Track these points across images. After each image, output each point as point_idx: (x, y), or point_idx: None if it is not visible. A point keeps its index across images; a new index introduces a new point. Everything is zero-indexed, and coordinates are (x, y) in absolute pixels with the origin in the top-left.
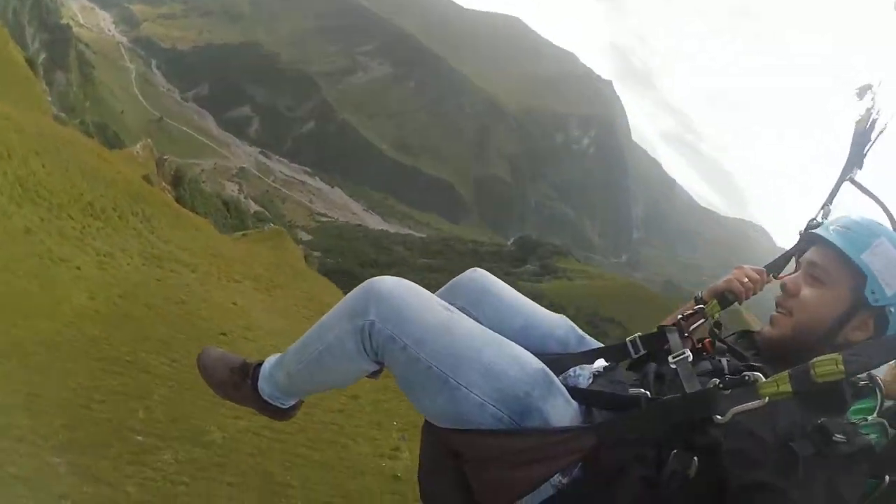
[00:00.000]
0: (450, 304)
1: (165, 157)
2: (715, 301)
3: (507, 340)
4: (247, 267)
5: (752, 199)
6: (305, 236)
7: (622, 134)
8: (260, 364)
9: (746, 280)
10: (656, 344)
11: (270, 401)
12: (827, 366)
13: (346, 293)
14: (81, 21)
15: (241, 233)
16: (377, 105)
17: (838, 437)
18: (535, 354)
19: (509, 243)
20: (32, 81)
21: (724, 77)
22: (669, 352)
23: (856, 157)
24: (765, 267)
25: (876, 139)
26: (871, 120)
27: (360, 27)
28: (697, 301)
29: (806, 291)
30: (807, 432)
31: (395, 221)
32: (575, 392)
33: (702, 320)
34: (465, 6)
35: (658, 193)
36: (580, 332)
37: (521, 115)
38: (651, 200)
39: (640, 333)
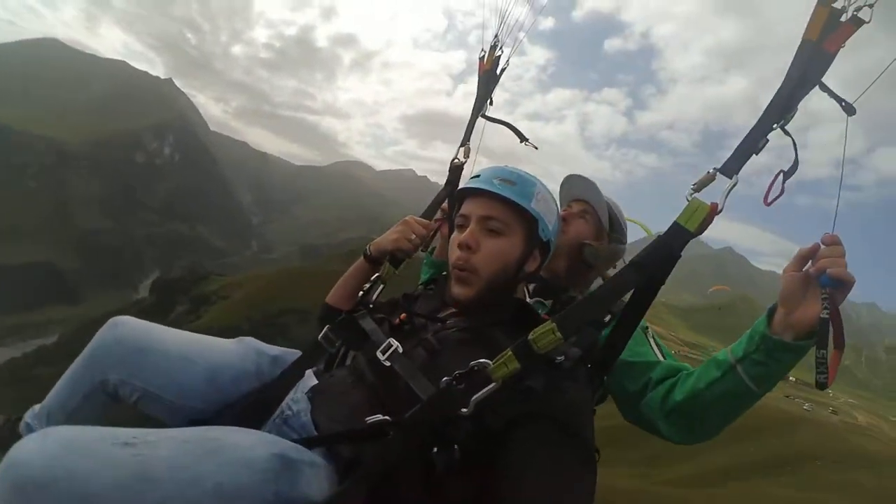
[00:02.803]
0: (101, 381)
1: None
2: (388, 264)
3: (217, 432)
4: None
5: (341, 140)
6: None
7: (200, 129)
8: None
9: (415, 237)
10: (351, 331)
11: None
12: (546, 337)
13: None
14: None
15: None
16: None
17: (559, 358)
18: (235, 402)
19: (146, 296)
20: None
21: (281, 40)
22: (367, 337)
23: (486, 95)
24: (422, 215)
25: (500, 77)
26: (496, 60)
27: None
28: (367, 258)
29: (489, 244)
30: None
31: (14, 340)
32: (308, 441)
33: (381, 286)
34: None
35: (256, 172)
36: (269, 351)
37: (93, 151)
38: (253, 182)
39: (328, 326)
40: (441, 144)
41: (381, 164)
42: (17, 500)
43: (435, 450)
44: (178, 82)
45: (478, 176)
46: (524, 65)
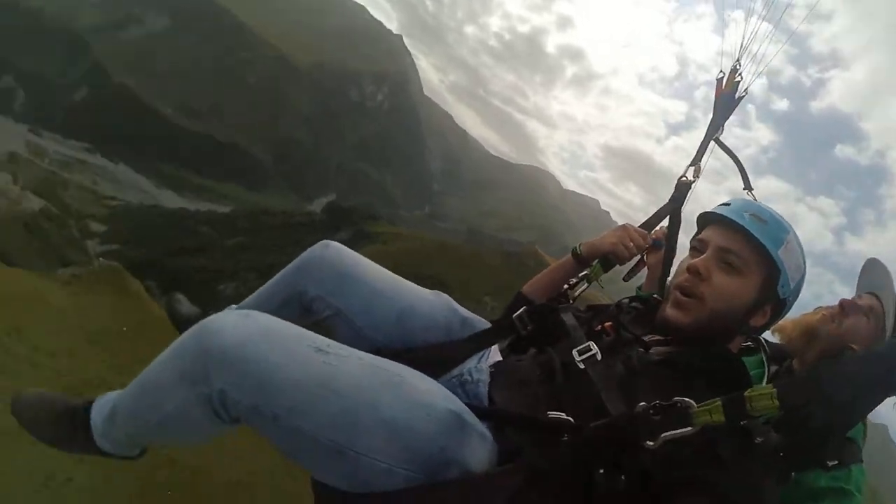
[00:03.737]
0: (300, 292)
1: None
2: (598, 263)
3: (399, 369)
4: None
5: (539, 146)
6: (99, 227)
7: (415, 89)
8: (87, 407)
9: (631, 245)
10: (548, 322)
11: (114, 452)
12: (763, 401)
13: (160, 290)
14: None
15: (68, 272)
16: (156, 63)
17: (758, 439)
18: (418, 347)
19: (319, 211)
20: None
21: (512, 34)
22: (565, 333)
23: (723, 118)
24: (640, 227)
25: (739, 103)
26: (736, 84)
27: None
28: (577, 257)
29: (721, 279)
30: (730, 432)
31: (191, 196)
32: (484, 411)
33: (585, 285)
34: None
35: (452, 146)
36: (461, 311)
37: (315, 72)
38: (446, 153)
39: (525, 308)
40: (633, 187)
41: (569, 183)
42: (202, 363)
43: (601, 470)
44: (407, 41)
45: (728, 204)
46: (746, 139)
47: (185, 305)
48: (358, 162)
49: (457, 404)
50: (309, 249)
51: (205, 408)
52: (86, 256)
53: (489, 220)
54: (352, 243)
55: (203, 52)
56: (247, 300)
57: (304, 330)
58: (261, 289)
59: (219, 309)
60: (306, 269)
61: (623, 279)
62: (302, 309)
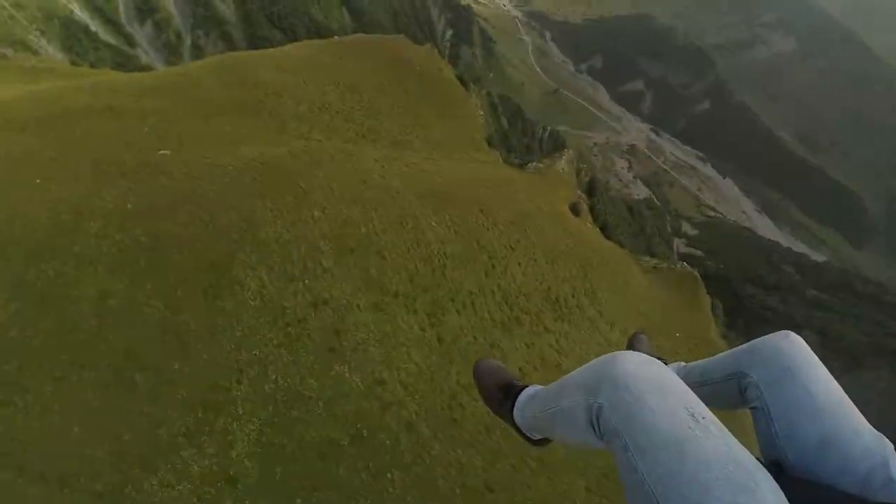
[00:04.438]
0: (742, 372)
1: (582, 166)
2: None
3: (762, 479)
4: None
5: None
6: (690, 230)
7: None
8: (523, 389)
9: None
10: None
11: (522, 428)
12: None
13: (722, 308)
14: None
15: (651, 262)
16: (779, 85)
17: None
18: (818, 484)
19: None
20: (467, 101)
21: None
22: None
23: None
24: None
25: None
26: None
27: None
28: None
29: None
30: None
31: (787, 230)
32: None
33: None
34: None
35: None
36: (893, 469)
37: None
38: None
39: None
40: None
41: None
42: (598, 379)
43: None
44: None
45: None
46: None
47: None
48: None
49: None
50: (770, 335)
51: (586, 414)
52: (669, 251)
53: None
54: None
55: (828, 78)
56: (697, 362)
57: (692, 394)
58: (719, 354)
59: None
60: (758, 352)
61: None
62: (739, 390)
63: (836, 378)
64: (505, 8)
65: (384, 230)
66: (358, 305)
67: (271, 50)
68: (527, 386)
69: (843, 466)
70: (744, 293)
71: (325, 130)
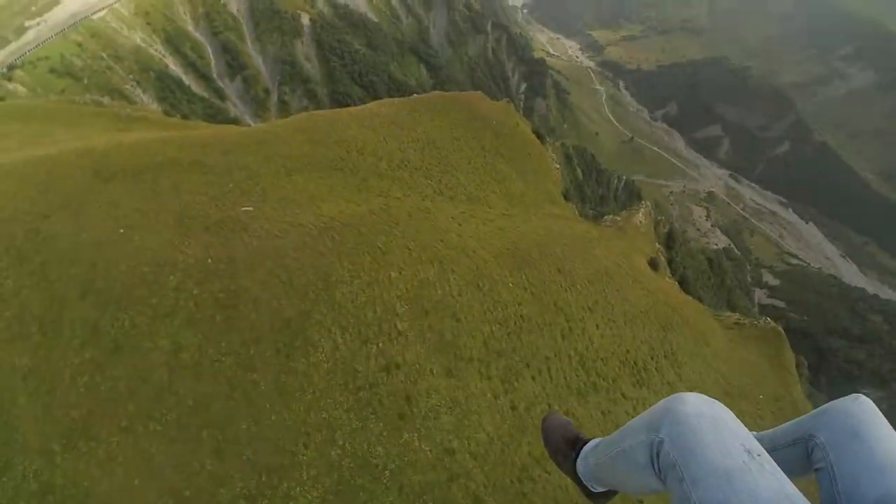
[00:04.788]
0: (810, 434)
1: (660, 217)
2: None
3: None
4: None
5: None
6: (772, 280)
7: None
8: (587, 441)
9: None
10: None
11: (583, 479)
12: None
13: (806, 365)
14: (551, 51)
15: (733, 317)
16: (859, 122)
17: None
18: None
19: None
20: (543, 155)
21: None
22: None
23: None
24: None
25: None
26: None
27: (836, 27)
28: None
29: None
30: None
31: (873, 275)
32: None
33: None
34: None
35: None
36: None
37: None
38: None
39: None
40: None
41: None
42: (660, 417)
43: None
44: None
45: None
46: None
47: None
48: None
49: None
50: (840, 399)
51: (647, 451)
52: (750, 304)
53: None
54: None
55: None
56: (770, 431)
57: (748, 433)
58: (790, 422)
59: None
60: (826, 415)
61: None
62: (806, 453)
63: None
64: (578, 59)
65: (460, 291)
66: (431, 370)
67: (353, 108)
68: (591, 439)
69: None
70: (828, 347)
71: (403, 187)
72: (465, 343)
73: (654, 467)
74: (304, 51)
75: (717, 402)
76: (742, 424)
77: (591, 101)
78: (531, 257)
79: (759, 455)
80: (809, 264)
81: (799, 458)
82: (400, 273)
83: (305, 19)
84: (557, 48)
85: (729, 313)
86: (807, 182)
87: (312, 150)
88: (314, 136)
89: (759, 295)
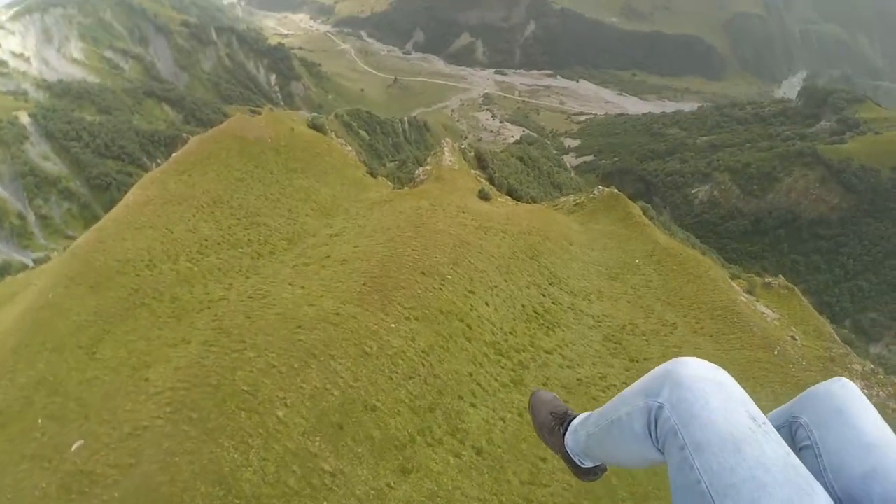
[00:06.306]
0: (794, 417)
1: (461, 144)
2: None
3: (818, 488)
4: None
5: None
6: (572, 142)
7: None
8: (575, 416)
9: None
10: None
11: (572, 455)
12: None
13: (633, 196)
14: (285, 32)
15: (573, 200)
16: None
17: None
18: None
19: (786, 92)
20: (330, 144)
21: None
22: None
23: None
24: None
25: None
26: None
27: None
28: None
29: None
30: None
31: (652, 98)
32: None
33: None
34: None
35: None
36: None
37: None
38: None
39: None
40: None
41: None
42: (661, 381)
43: None
44: None
45: None
46: None
47: None
48: (823, 25)
49: None
50: (822, 382)
51: (644, 417)
52: (567, 171)
53: None
54: (836, 133)
55: None
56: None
57: (750, 399)
58: (776, 409)
59: (687, 210)
60: (809, 396)
61: None
62: (790, 435)
63: None
64: (314, 28)
65: (355, 375)
66: (388, 484)
67: (114, 212)
68: (578, 414)
69: (886, 497)
70: (647, 172)
71: (221, 276)
72: (396, 425)
73: (651, 435)
74: (38, 151)
75: (718, 367)
76: (741, 389)
77: (344, 62)
78: (389, 280)
79: (763, 423)
80: (596, 114)
81: (785, 439)
82: (286, 406)
83: (24, 118)
84: (289, 26)
85: (563, 198)
86: (562, 47)
87: (97, 304)
88: (91, 280)
89: (569, 160)
